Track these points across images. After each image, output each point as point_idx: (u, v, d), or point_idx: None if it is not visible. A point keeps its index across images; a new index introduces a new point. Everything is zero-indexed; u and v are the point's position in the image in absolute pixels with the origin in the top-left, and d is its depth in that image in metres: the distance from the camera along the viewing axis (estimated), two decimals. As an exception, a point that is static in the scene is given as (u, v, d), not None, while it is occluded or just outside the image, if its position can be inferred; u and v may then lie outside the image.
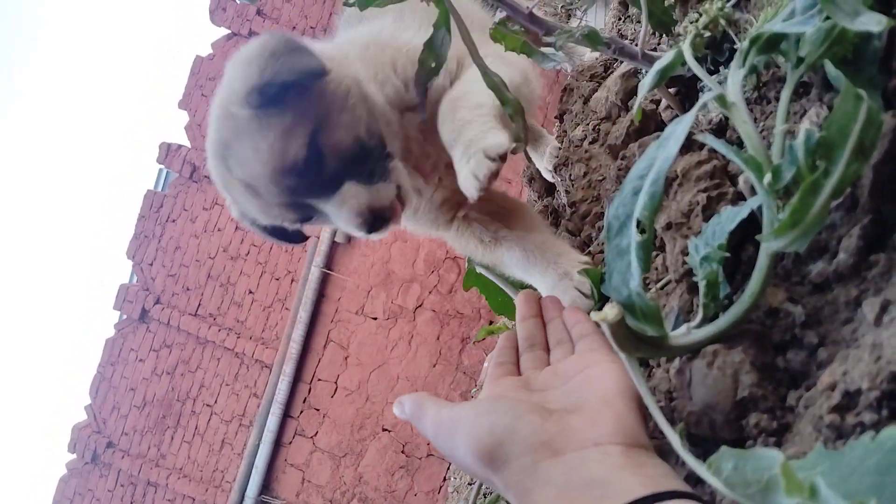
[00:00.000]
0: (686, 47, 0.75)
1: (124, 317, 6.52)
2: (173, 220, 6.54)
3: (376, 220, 1.12)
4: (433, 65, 1.03)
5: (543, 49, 1.08)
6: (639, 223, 0.65)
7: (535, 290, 1.19)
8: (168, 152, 6.51)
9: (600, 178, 1.35)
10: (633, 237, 0.66)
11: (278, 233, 1.30)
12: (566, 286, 1.15)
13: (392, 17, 1.39)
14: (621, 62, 1.46)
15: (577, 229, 1.32)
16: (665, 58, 0.75)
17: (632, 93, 1.37)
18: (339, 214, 1.13)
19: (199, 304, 6.37)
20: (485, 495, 1.79)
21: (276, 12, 6.64)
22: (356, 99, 1.16)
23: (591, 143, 1.41)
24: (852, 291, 0.64)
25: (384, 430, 5.98)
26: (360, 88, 1.19)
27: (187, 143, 6.56)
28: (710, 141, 0.64)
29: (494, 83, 1.00)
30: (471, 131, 1.06)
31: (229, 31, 6.67)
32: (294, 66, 1.09)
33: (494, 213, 1.34)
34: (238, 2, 6.57)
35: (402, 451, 5.92)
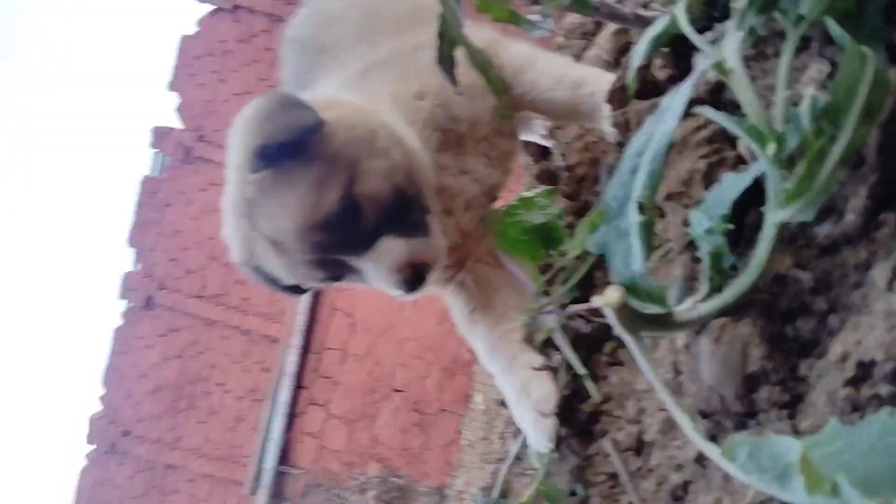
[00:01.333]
0: (680, 11, 0.71)
1: (130, 305, 6.53)
2: (170, 204, 6.49)
3: (416, 276, 1.04)
4: (450, 52, 0.97)
5: (531, 17, 1.05)
6: (638, 204, 0.63)
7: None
8: (160, 136, 6.43)
9: (596, 139, 1.32)
10: (633, 218, 0.64)
11: (276, 284, 1.20)
12: (525, 406, 1.09)
13: (364, 48, 1.31)
14: (610, 18, 1.41)
15: (574, 193, 1.30)
16: (658, 24, 0.72)
17: (624, 50, 1.33)
18: (374, 271, 1.04)
19: (204, 286, 6.37)
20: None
21: (260, -14, 6.49)
22: (389, 142, 1.09)
23: (584, 104, 1.38)
24: (861, 254, 0.63)
25: (395, 391, 6.03)
26: (392, 131, 1.12)
27: (179, 125, 6.48)
28: (710, 114, 0.62)
29: (481, 62, 0.97)
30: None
31: (214, 7, 6.52)
32: (288, 125, 1.03)
33: (483, 278, 1.31)
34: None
35: (415, 410, 5.98)
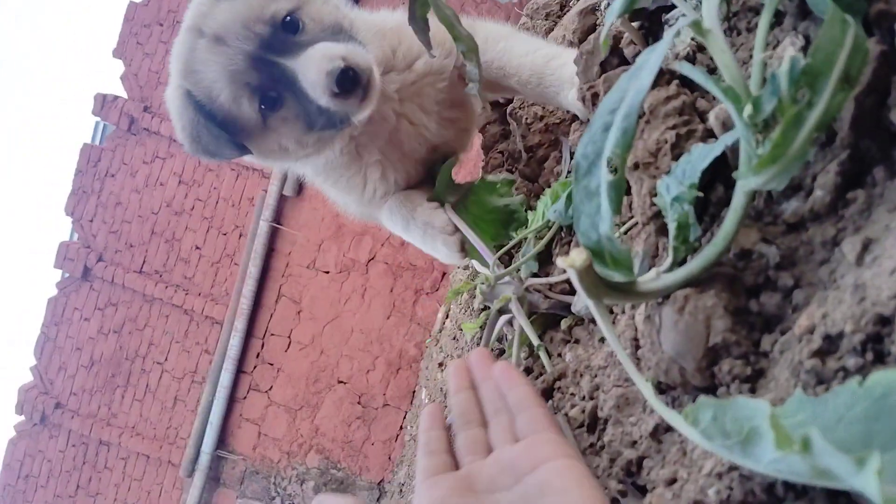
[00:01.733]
0: (657, -30, 0.69)
1: (66, 275, 6.27)
2: (112, 175, 6.26)
3: (349, 72, 1.05)
4: (422, 12, 0.95)
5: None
6: (609, 161, 0.60)
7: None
8: (104, 104, 6.18)
9: (557, 121, 1.30)
10: (604, 177, 0.61)
11: (212, 127, 1.18)
12: (432, 235, 1.20)
13: None
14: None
15: (534, 175, 1.27)
16: (634, -18, 0.70)
17: (590, 31, 1.31)
18: (308, 66, 1.06)
19: (144, 261, 6.16)
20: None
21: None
22: (338, 2, 1.19)
23: (548, 84, 1.35)
24: (829, 230, 0.61)
25: (339, 382, 5.96)
26: (344, 7, 1.21)
27: (124, 94, 6.24)
28: (687, 70, 0.60)
29: (447, 17, 0.93)
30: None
31: (163, -26, 6.30)
32: None
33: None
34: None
35: (359, 402, 5.93)
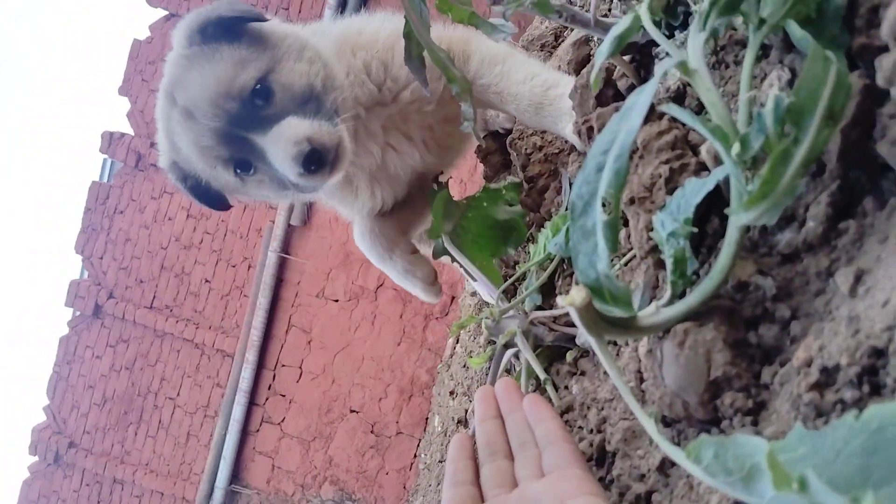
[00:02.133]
0: (643, 11, 0.71)
1: (77, 313, 6.31)
2: (121, 212, 6.32)
3: (314, 155, 1.06)
4: (418, 52, 0.98)
5: (492, 20, 1.04)
6: (604, 202, 0.62)
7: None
8: (111, 141, 6.27)
9: (556, 150, 1.32)
10: (599, 217, 0.62)
11: (201, 191, 1.24)
12: (413, 283, 1.36)
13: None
14: (572, 30, 1.42)
15: (535, 205, 1.29)
16: (622, 23, 0.72)
17: (584, 61, 1.33)
18: (276, 146, 1.07)
19: (154, 296, 6.20)
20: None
21: (215, -10, 6.41)
22: (314, 56, 1.17)
23: (546, 115, 1.37)
24: (823, 261, 0.62)
25: (352, 411, 5.95)
26: (323, 55, 1.19)
27: (130, 131, 6.32)
28: (675, 111, 0.61)
29: (441, 60, 0.95)
30: None
31: (167, 13, 6.41)
32: (233, 6, 1.11)
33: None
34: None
35: (372, 431, 5.90)
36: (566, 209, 1.13)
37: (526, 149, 1.37)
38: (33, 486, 6.38)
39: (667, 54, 0.79)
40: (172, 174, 1.23)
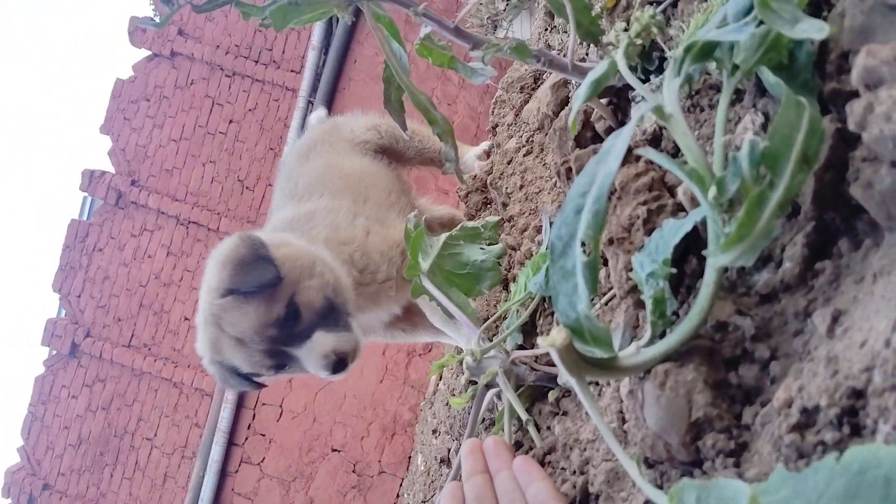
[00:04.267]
0: (619, 57, 0.73)
1: (54, 352, 6.19)
2: (100, 249, 6.25)
3: (339, 362, 1.38)
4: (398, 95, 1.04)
5: (471, 64, 1.05)
6: (583, 243, 0.62)
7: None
8: (91, 179, 6.23)
9: (537, 190, 1.33)
10: (579, 258, 0.63)
11: (241, 378, 1.53)
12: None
13: (328, 197, 1.78)
14: (551, 73, 1.44)
15: (516, 244, 1.29)
16: (598, 68, 0.73)
17: (563, 103, 1.35)
18: (309, 357, 1.38)
19: (133, 335, 6.10)
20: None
21: (198, 31, 6.45)
22: (324, 268, 1.48)
23: (525, 154, 1.39)
24: (800, 301, 0.63)
25: (333, 450, 5.85)
26: (327, 262, 1.52)
27: (111, 169, 6.30)
28: (652, 155, 0.62)
29: (422, 103, 0.97)
30: None
31: (150, 53, 6.45)
32: (255, 279, 1.38)
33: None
34: (150, 27, 6.38)
35: (353, 471, 5.80)
36: (546, 248, 1.13)
37: (507, 188, 1.38)
38: (5, 531, 6.19)
39: (643, 98, 0.81)
40: (218, 370, 1.49)
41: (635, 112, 0.68)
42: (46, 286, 6.27)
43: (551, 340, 0.61)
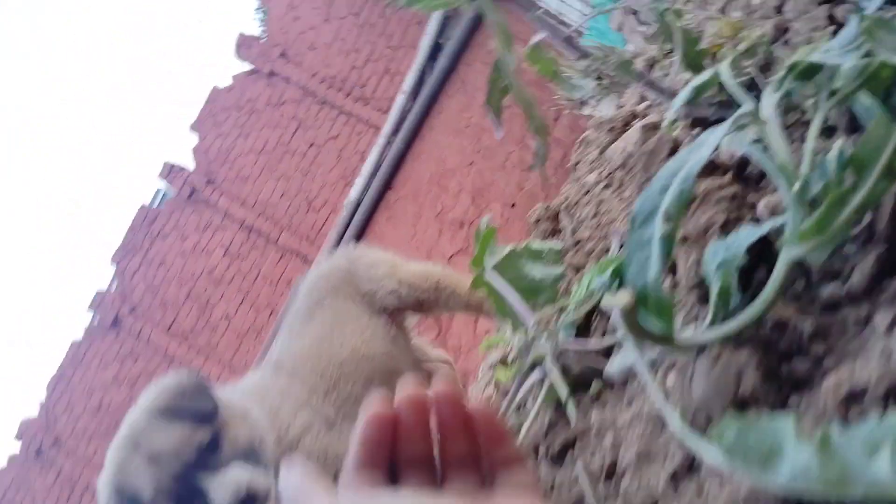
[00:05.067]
0: (724, 67, 0.78)
1: (96, 322, 6.40)
2: (164, 237, 6.51)
3: (249, 498, 1.31)
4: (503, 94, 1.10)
5: (574, 81, 1.13)
6: (666, 213, 0.67)
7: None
8: (171, 171, 6.55)
9: (610, 220, 1.38)
10: (658, 229, 0.67)
11: None
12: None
13: (289, 377, 1.79)
14: (642, 118, 1.51)
15: (581, 264, 1.33)
16: (701, 76, 0.79)
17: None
18: (219, 489, 1.32)
19: (174, 321, 6.26)
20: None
21: (299, 57, 6.82)
22: (258, 423, 1.50)
23: (603, 188, 1.44)
24: (862, 311, 0.66)
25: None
26: (263, 423, 1.52)
27: (190, 166, 6.61)
28: (743, 145, 0.67)
29: (527, 100, 1.04)
30: None
31: (252, 67, 6.84)
32: (192, 405, 1.38)
33: None
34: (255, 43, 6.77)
35: None
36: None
37: (579, 216, 1.43)
38: (7, 474, 6.32)
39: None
40: (111, 494, 1.40)
41: (733, 116, 0.73)
42: (105, 258, 6.53)
43: (617, 300, 0.65)
